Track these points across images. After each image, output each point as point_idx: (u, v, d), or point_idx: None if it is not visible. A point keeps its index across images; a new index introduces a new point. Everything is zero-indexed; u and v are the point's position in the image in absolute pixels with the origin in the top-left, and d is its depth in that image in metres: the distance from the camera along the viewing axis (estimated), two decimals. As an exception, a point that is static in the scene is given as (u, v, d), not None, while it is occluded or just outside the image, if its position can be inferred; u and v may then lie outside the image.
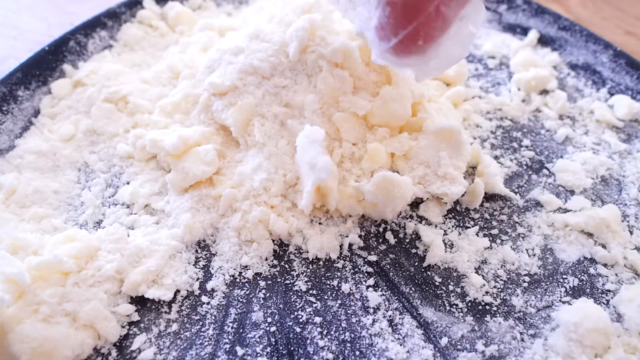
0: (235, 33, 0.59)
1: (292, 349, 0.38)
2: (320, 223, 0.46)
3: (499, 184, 0.50)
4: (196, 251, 0.44)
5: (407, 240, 0.46)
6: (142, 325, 0.39)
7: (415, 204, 0.48)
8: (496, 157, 0.54)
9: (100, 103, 0.55)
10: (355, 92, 0.50)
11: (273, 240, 0.45)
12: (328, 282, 0.42)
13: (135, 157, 0.51)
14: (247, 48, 0.51)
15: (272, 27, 0.52)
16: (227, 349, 0.38)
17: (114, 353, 0.37)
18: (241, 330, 0.39)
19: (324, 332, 0.39)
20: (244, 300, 0.41)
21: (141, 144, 0.50)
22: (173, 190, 0.48)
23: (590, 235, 0.47)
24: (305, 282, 0.42)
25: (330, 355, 0.37)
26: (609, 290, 0.42)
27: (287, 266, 0.44)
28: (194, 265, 0.43)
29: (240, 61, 0.51)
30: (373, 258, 0.44)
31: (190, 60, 0.59)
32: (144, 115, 0.54)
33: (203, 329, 0.39)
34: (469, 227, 0.47)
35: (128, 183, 0.49)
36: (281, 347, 0.38)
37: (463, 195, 0.48)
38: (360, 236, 0.46)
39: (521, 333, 0.39)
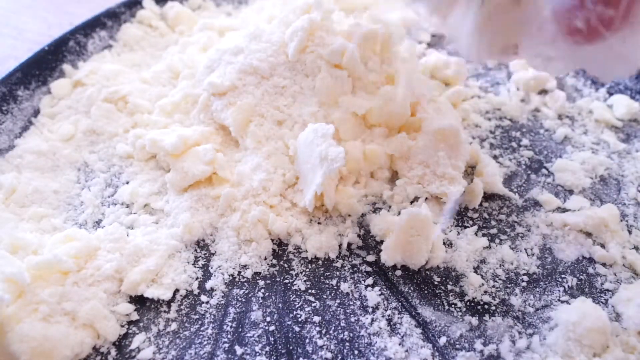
0: (234, 33, 0.59)
1: (290, 348, 0.38)
2: (319, 222, 0.46)
3: (498, 184, 0.50)
4: (195, 250, 0.45)
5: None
6: (141, 324, 0.39)
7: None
8: (495, 157, 0.54)
9: (100, 103, 0.55)
10: (354, 92, 0.51)
11: (272, 240, 0.45)
12: (327, 281, 0.42)
13: (135, 156, 0.52)
14: (247, 48, 0.51)
15: (272, 28, 0.53)
16: (226, 348, 0.38)
17: (113, 352, 0.38)
18: (240, 330, 0.39)
19: (323, 332, 0.39)
20: (243, 300, 0.41)
21: (141, 143, 0.50)
22: (172, 189, 0.48)
23: (589, 234, 0.47)
24: (304, 281, 0.42)
25: (329, 355, 0.38)
26: (607, 290, 0.42)
27: (286, 265, 0.44)
28: (193, 264, 0.43)
29: (239, 61, 0.51)
30: (372, 258, 0.44)
31: (190, 60, 0.59)
32: (144, 115, 0.54)
33: (202, 328, 0.39)
34: (468, 227, 0.47)
35: (127, 183, 0.50)
36: (280, 346, 0.38)
37: (462, 194, 0.48)
38: (359, 235, 0.46)
39: (520, 332, 0.39)
